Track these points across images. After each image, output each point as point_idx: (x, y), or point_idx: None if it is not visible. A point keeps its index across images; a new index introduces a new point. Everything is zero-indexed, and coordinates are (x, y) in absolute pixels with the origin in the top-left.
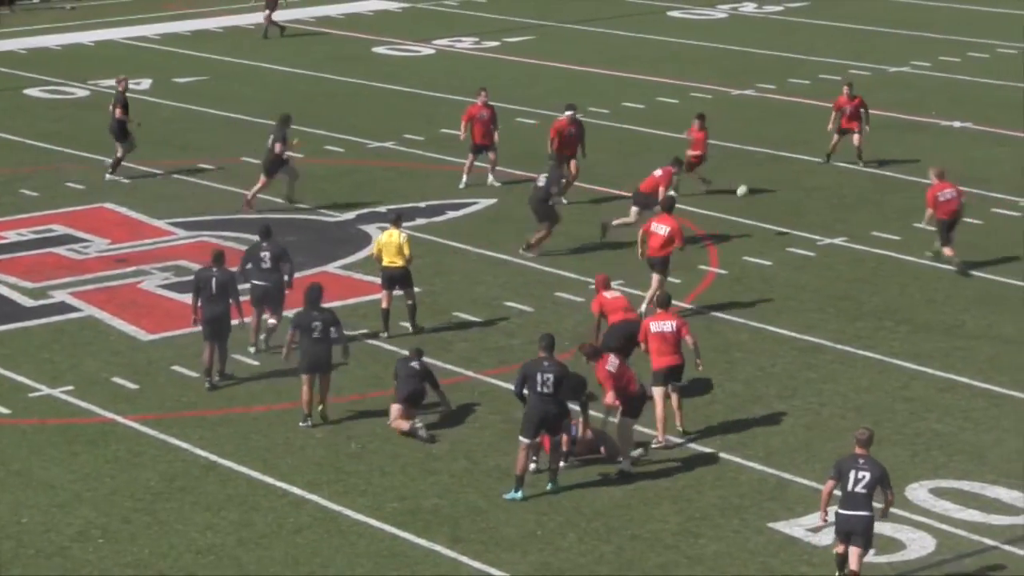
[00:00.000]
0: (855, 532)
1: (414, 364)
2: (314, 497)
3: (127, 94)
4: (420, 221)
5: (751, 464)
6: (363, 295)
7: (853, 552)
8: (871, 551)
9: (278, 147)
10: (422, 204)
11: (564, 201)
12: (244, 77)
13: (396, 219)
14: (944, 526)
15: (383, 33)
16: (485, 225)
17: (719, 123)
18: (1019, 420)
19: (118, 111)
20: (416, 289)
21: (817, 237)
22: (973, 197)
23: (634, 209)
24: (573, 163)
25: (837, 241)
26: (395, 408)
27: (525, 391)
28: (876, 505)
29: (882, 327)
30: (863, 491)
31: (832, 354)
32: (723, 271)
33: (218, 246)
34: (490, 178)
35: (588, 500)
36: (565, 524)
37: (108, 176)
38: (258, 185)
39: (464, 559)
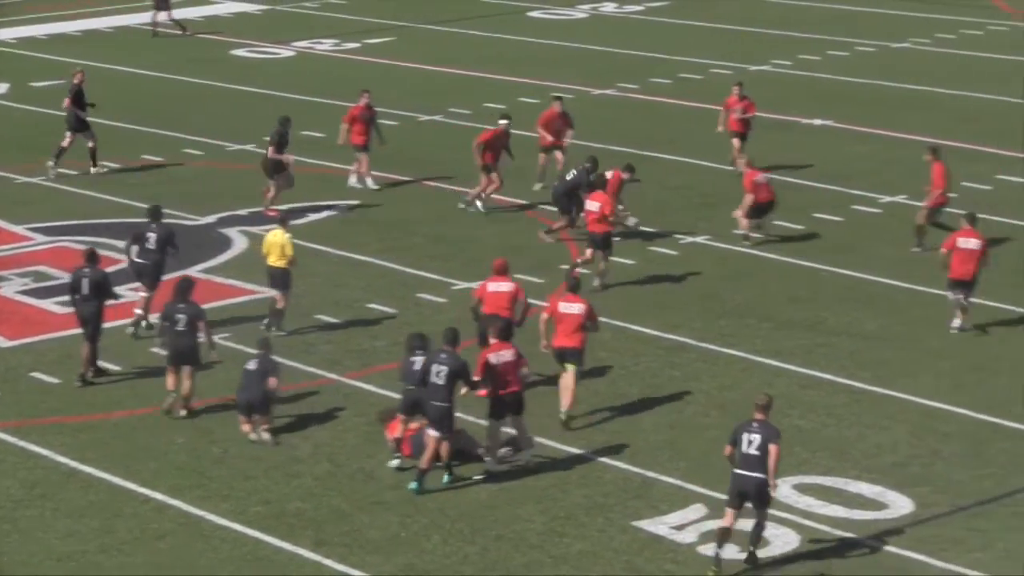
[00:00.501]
0: (748, 493)
1: (251, 366)
2: (177, 502)
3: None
4: None
5: (615, 463)
6: (225, 299)
7: (728, 519)
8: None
9: (271, 150)
10: (284, 206)
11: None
12: (101, 80)
13: (282, 220)
14: (807, 522)
15: (242, 35)
16: (346, 227)
17: (581, 123)
18: (880, 416)
19: (66, 101)
20: (277, 292)
21: (680, 236)
22: (834, 194)
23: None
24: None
25: (700, 240)
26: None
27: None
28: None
29: (745, 325)
30: (755, 453)
31: (695, 352)
32: (586, 270)
33: (85, 248)
34: (369, 181)
35: (452, 501)
36: (429, 526)
37: (91, 169)
38: (270, 193)
39: (328, 562)
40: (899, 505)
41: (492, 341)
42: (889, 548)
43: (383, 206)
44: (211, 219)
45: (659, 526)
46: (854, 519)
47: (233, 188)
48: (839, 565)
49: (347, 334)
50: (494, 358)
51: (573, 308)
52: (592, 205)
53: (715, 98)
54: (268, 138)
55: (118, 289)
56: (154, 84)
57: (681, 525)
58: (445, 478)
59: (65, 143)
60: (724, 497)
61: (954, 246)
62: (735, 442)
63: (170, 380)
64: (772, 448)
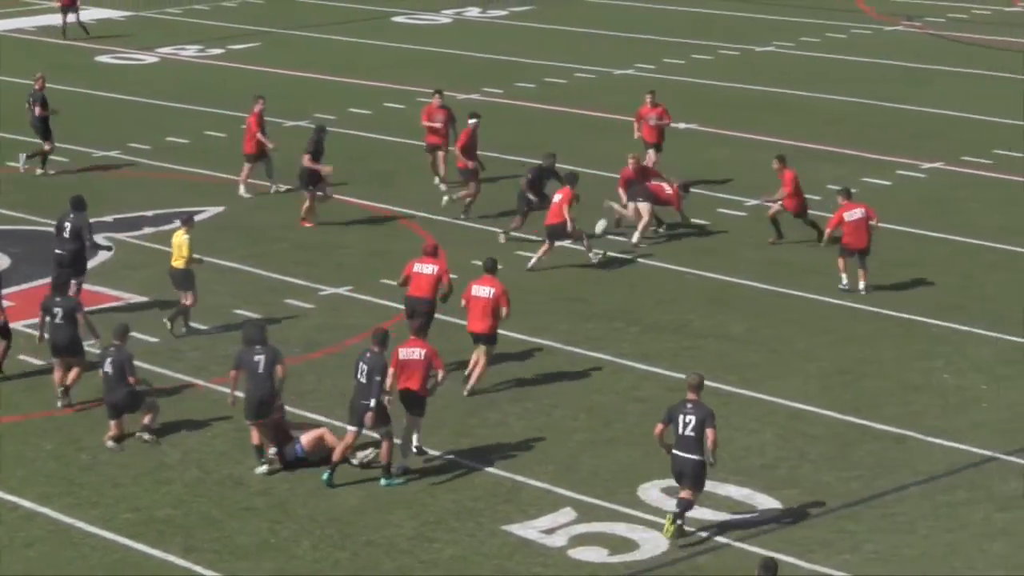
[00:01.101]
0: (685, 474)
1: (107, 368)
2: (45, 510)
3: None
4: (147, 230)
5: (484, 467)
6: (93, 305)
7: (684, 493)
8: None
9: (307, 159)
10: (149, 213)
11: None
12: None
13: (186, 220)
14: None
15: (106, 42)
16: (213, 233)
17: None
18: (748, 418)
19: (37, 109)
20: (146, 298)
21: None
22: (699, 197)
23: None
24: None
25: (566, 243)
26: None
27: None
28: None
29: (612, 328)
30: (691, 434)
31: (563, 356)
32: (452, 276)
33: None
34: (272, 187)
35: (322, 507)
36: (299, 531)
37: (38, 171)
38: (306, 203)
39: (198, 568)
40: (767, 507)
41: (410, 336)
42: (758, 550)
43: (248, 213)
44: None
45: (529, 530)
46: (723, 521)
47: (99, 195)
48: (709, 568)
49: (214, 340)
50: (403, 353)
51: (483, 291)
52: (556, 197)
53: (579, 102)
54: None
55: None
56: (18, 90)
57: (551, 529)
58: (325, 476)
59: (47, 147)
60: (593, 500)
61: (842, 220)
62: (670, 421)
63: (56, 375)
64: (709, 432)
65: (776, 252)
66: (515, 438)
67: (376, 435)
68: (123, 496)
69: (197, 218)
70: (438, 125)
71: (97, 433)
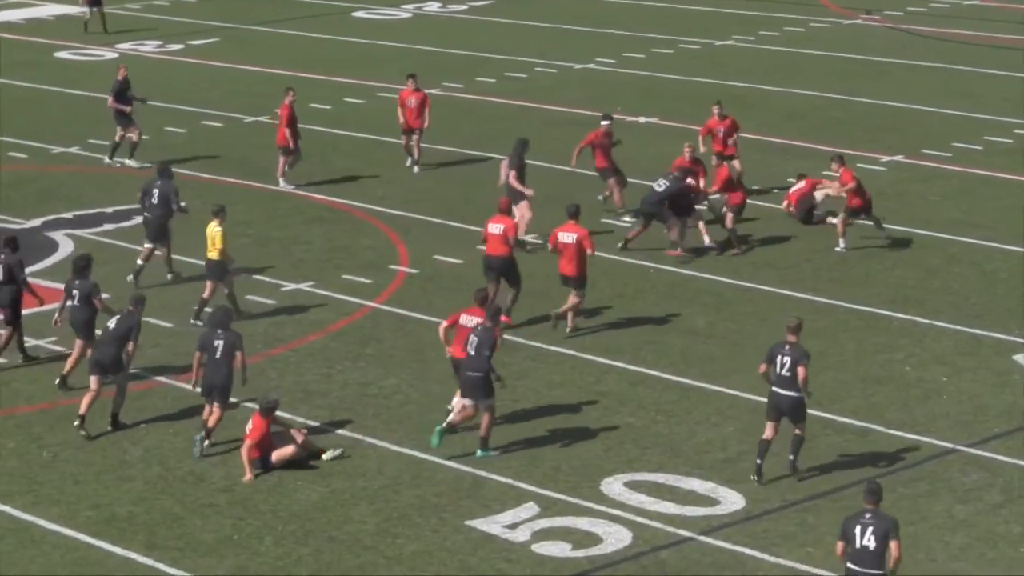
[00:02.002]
0: (783, 409)
1: (110, 323)
2: (6, 508)
3: None
4: (108, 227)
5: (447, 463)
6: (54, 302)
7: (770, 427)
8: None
9: (511, 176)
10: (109, 209)
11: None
12: None
13: (217, 211)
14: (640, 519)
15: (65, 38)
16: (174, 230)
17: None
18: (711, 412)
19: (111, 100)
20: (106, 296)
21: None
22: None
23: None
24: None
25: (527, 238)
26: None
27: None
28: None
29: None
30: (787, 374)
31: (525, 350)
32: (414, 270)
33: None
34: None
35: (285, 503)
36: (262, 528)
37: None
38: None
39: (161, 566)
40: (731, 501)
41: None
42: (721, 544)
43: (209, 208)
44: (36, 222)
45: (492, 525)
46: (686, 515)
47: (58, 191)
48: (672, 561)
49: (174, 337)
50: (463, 320)
51: (568, 237)
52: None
53: (540, 97)
54: (505, 161)
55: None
56: None
57: (514, 524)
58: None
59: (117, 137)
60: (556, 495)
61: (812, 188)
62: (770, 361)
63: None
64: (800, 369)
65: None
66: (477, 432)
67: (481, 406)
68: (84, 493)
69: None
70: (412, 107)
71: (58, 431)
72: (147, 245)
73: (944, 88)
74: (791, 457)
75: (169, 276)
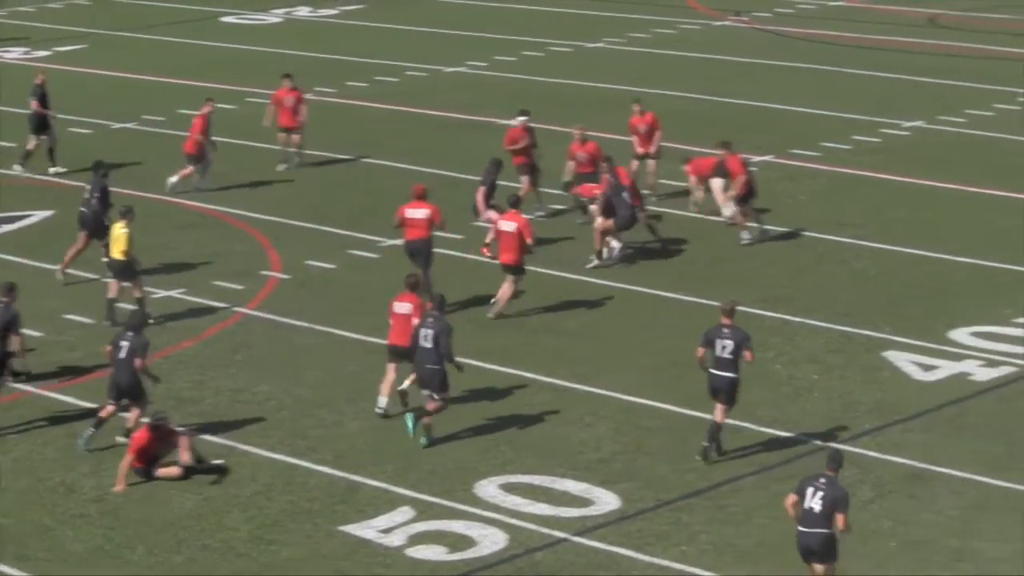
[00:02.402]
0: (721, 390)
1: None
2: None
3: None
4: None
5: (320, 468)
6: None
7: (719, 408)
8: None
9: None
10: None
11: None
12: None
13: (124, 212)
14: (515, 521)
15: None
16: (43, 238)
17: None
18: (584, 413)
19: (34, 103)
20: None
21: (379, 238)
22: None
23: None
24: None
25: (399, 242)
26: None
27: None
28: None
29: None
30: (728, 356)
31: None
32: (286, 276)
33: None
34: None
35: (157, 512)
36: (134, 537)
37: (17, 168)
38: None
39: None
40: (605, 501)
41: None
42: (596, 544)
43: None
44: None
45: (366, 530)
46: (561, 516)
47: None
48: (547, 563)
49: (44, 345)
50: (396, 307)
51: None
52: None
53: (412, 100)
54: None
55: None
56: None
57: (388, 528)
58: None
59: (30, 145)
60: (431, 499)
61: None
62: (708, 344)
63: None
64: (747, 353)
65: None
66: (351, 438)
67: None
68: None
69: (26, 223)
70: (288, 107)
71: None
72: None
73: (812, 88)
74: (705, 444)
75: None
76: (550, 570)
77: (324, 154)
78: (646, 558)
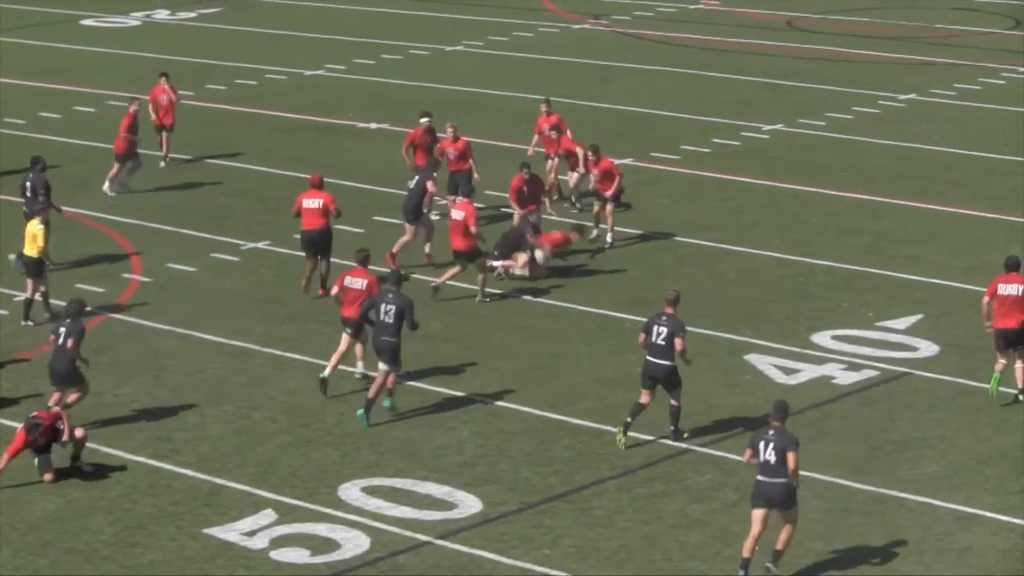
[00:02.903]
0: (657, 377)
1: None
2: None
3: None
4: None
5: (183, 471)
6: None
7: (645, 393)
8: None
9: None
10: None
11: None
12: None
13: (41, 210)
14: (377, 524)
15: None
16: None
17: (140, 131)
18: (445, 416)
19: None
20: None
21: (240, 241)
22: (391, 197)
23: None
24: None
25: (261, 245)
26: None
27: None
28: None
29: (308, 329)
30: (662, 343)
31: (261, 357)
32: (147, 279)
33: None
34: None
35: (21, 514)
36: None
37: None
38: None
39: None
40: (468, 504)
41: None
42: (459, 547)
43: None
44: None
45: (230, 533)
46: (424, 520)
47: None
48: (410, 566)
49: None
50: (348, 280)
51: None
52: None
53: (270, 103)
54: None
55: None
56: None
57: (252, 531)
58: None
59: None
60: (294, 501)
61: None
62: (647, 331)
63: None
64: (678, 341)
65: None
66: (213, 441)
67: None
68: None
69: None
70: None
71: None
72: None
73: (672, 91)
74: (671, 427)
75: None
76: (413, 572)
77: (185, 156)
78: (509, 561)
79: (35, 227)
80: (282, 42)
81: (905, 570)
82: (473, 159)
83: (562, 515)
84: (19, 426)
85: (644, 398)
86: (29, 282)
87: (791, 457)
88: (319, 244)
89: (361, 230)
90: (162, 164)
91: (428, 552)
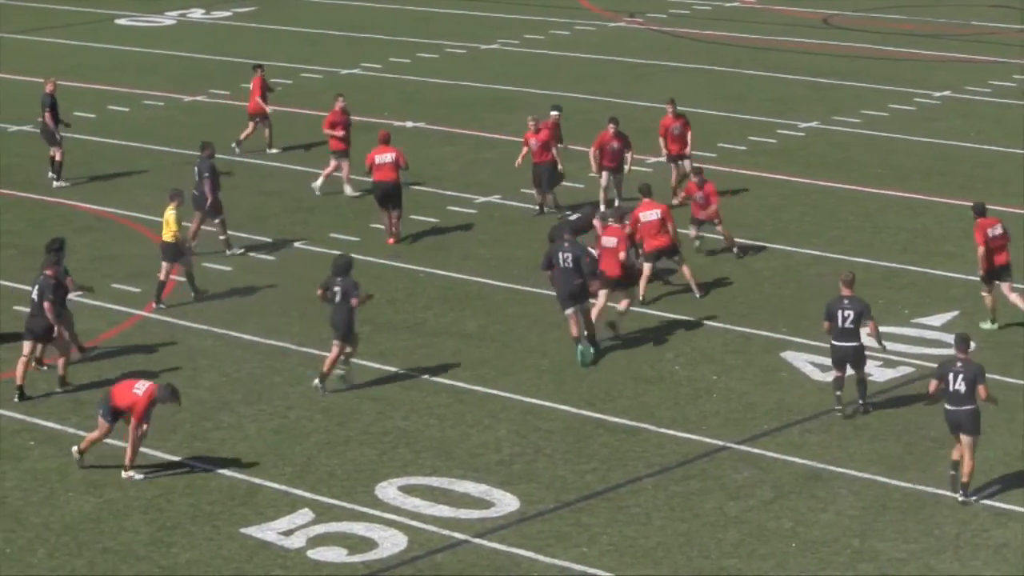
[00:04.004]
0: (847, 359)
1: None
2: None
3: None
4: None
5: (220, 470)
6: None
7: (839, 372)
8: (866, 373)
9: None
10: None
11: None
12: None
13: (173, 195)
14: (415, 523)
15: None
16: None
17: (174, 130)
18: (483, 414)
19: (47, 114)
20: None
21: (277, 240)
22: (428, 195)
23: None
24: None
25: (297, 245)
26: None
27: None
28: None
29: None
30: (851, 326)
31: (297, 357)
32: (182, 279)
33: None
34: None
35: (57, 515)
36: (34, 540)
37: (54, 182)
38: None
39: None
40: (505, 503)
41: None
42: (496, 546)
43: None
44: None
45: (267, 532)
46: (461, 518)
47: None
48: (448, 564)
49: None
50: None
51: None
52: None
53: (306, 102)
54: None
55: None
56: None
57: (289, 530)
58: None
59: (58, 156)
60: (331, 501)
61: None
62: (831, 317)
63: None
64: (870, 323)
65: (506, 249)
66: (250, 440)
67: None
68: None
69: None
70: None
71: None
72: None
73: (708, 90)
74: (860, 401)
75: None
76: (451, 572)
77: (219, 156)
78: (547, 559)
79: (168, 212)
80: (318, 40)
81: (941, 567)
82: (557, 148)
83: (599, 513)
84: None
85: (838, 372)
86: (164, 265)
87: (981, 389)
88: (393, 195)
89: (436, 219)
90: (273, 150)
91: (465, 551)
